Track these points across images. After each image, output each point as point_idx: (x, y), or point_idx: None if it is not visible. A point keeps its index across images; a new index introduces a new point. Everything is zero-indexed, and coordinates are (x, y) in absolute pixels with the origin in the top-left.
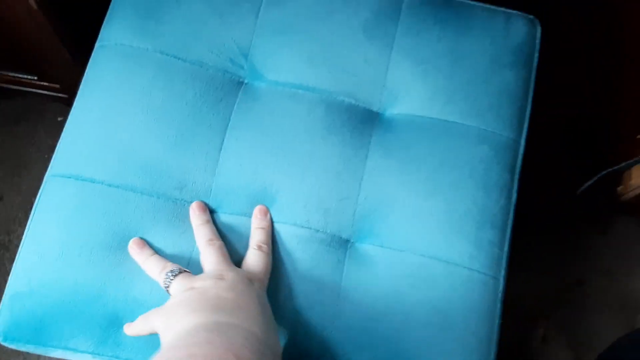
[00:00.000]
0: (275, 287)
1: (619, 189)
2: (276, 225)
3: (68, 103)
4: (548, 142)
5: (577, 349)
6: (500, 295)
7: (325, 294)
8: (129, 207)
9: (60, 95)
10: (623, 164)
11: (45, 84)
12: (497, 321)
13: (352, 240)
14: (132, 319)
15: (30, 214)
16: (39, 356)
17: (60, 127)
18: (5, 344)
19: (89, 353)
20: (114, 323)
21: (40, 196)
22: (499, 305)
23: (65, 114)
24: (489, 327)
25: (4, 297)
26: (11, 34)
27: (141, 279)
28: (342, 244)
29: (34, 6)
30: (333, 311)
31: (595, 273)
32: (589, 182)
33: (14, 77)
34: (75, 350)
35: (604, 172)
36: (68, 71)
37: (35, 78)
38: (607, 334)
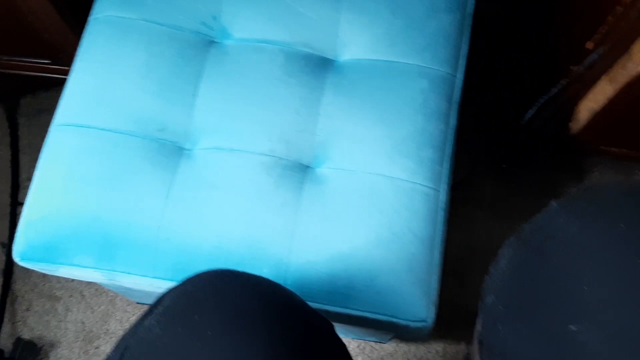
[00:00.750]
0: (243, 204)
1: (570, 124)
2: (245, 155)
3: None
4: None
5: None
6: (442, 204)
7: (287, 210)
8: (120, 147)
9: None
10: (560, 85)
11: (58, 67)
12: (440, 227)
13: (311, 166)
14: (124, 237)
15: None
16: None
17: None
18: (22, 263)
19: (91, 267)
20: (109, 242)
21: (46, 141)
22: (441, 213)
23: None
24: (431, 232)
25: (19, 224)
26: (23, 22)
27: (130, 205)
28: (303, 169)
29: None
30: (293, 226)
31: None
32: (532, 111)
33: (29, 62)
34: (78, 265)
35: (546, 98)
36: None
37: (49, 62)
38: None
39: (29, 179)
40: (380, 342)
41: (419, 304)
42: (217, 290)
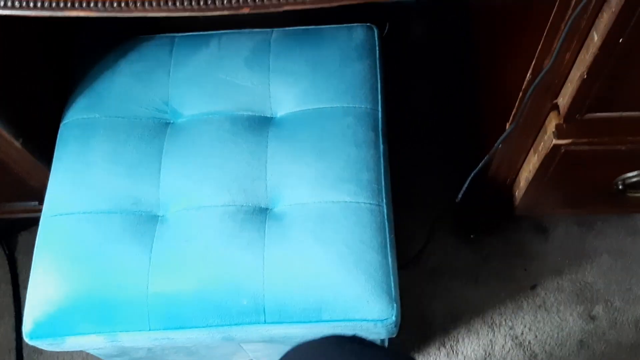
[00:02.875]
0: (215, 249)
1: (516, 194)
2: (210, 209)
3: None
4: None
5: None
6: (385, 216)
7: (254, 247)
8: (102, 225)
9: None
10: (487, 157)
11: None
12: (388, 235)
13: (268, 207)
14: (118, 301)
15: None
16: None
17: None
18: (32, 342)
19: (93, 333)
20: (105, 307)
21: (38, 233)
22: (386, 223)
23: None
24: (382, 240)
25: (25, 309)
26: (9, 171)
27: (119, 272)
28: (262, 211)
29: (19, 145)
30: (261, 260)
31: (545, 275)
32: (463, 189)
33: (21, 207)
34: (81, 333)
35: (475, 172)
36: None
37: (37, 203)
38: (570, 331)
39: None
40: None
41: (382, 303)
42: None
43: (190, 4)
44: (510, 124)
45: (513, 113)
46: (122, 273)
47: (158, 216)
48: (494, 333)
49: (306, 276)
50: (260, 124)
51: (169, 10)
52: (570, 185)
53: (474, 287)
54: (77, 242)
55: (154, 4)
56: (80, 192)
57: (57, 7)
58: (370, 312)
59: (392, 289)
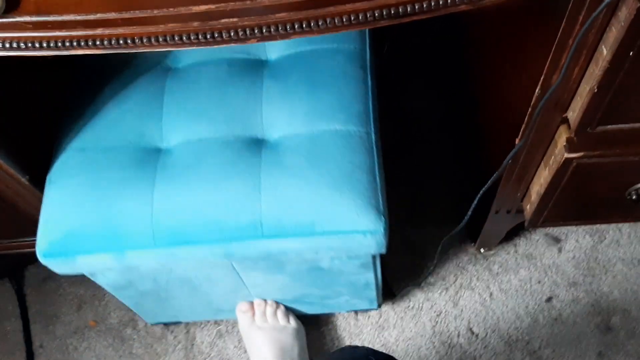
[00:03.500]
0: (216, 174)
1: (528, 208)
2: (210, 140)
3: None
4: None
5: None
6: (373, 142)
7: (252, 170)
8: (110, 157)
9: None
10: (496, 174)
11: None
12: (376, 158)
13: (265, 138)
14: (125, 220)
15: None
16: None
17: (79, 277)
18: (45, 262)
19: (102, 252)
20: (113, 227)
21: (52, 166)
22: (375, 148)
23: None
24: (370, 162)
25: (39, 232)
26: (15, 207)
27: (127, 195)
28: (258, 141)
29: (26, 182)
30: (259, 181)
31: (560, 287)
32: (473, 205)
33: (27, 242)
34: (91, 252)
35: (485, 188)
36: None
37: None
38: (588, 342)
39: (42, 346)
40: (370, 310)
41: (370, 216)
42: None
43: (198, 37)
44: (519, 140)
45: (522, 128)
46: (129, 196)
47: (161, 148)
48: (511, 349)
49: (300, 194)
50: (256, 66)
51: (176, 45)
52: (582, 197)
53: (489, 302)
54: (87, 172)
55: (161, 39)
56: (91, 130)
57: (63, 47)
58: (360, 224)
59: (381, 205)
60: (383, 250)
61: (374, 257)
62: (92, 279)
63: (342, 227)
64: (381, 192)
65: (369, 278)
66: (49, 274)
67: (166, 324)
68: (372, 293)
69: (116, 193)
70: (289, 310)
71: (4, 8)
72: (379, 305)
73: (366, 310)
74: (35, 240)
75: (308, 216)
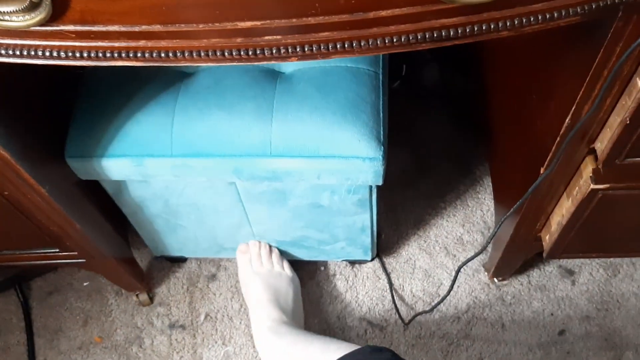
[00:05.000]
0: (233, 94)
1: (547, 238)
2: (230, 67)
3: (88, 267)
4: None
5: None
6: (381, 81)
7: (266, 94)
8: (137, 77)
9: (79, 260)
10: (519, 202)
11: (66, 253)
12: (381, 95)
13: (280, 71)
14: (145, 129)
15: None
16: None
17: (86, 290)
18: (69, 160)
19: (122, 156)
20: (134, 135)
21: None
22: (381, 86)
23: (90, 279)
24: (375, 98)
25: (68, 134)
26: (32, 220)
27: (150, 106)
28: (274, 72)
29: (46, 196)
30: (271, 104)
31: (573, 320)
32: (492, 234)
33: (40, 253)
34: (112, 155)
35: (505, 217)
36: (81, 240)
37: (57, 250)
38: None
39: None
40: (365, 260)
41: (371, 144)
42: None
43: (240, 53)
44: (545, 169)
45: (549, 158)
46: (153, 108)
47: (185, 72)
48: None
49: (308, 119)
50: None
51: (217, 60)
52: (604, 229)
53: (501, 333)
54: (115, 86)
55: (203, 54)
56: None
57: (104, 57)
58: (361, 150)
59: (382, 136)
60: (380, 181)
61: (370, 194)
62: (112, 196)
63: (344, 152)
64: (383, 125)
65: (366, 220)
66: (56, 287)
67: (172, 260)
68: (367, 239)
69: (141, 105)
70: (283, 257)
71: (49, 17)
72: (373, 258)
73: (360, 262)
74: (46, 252)
75: (313, 140)
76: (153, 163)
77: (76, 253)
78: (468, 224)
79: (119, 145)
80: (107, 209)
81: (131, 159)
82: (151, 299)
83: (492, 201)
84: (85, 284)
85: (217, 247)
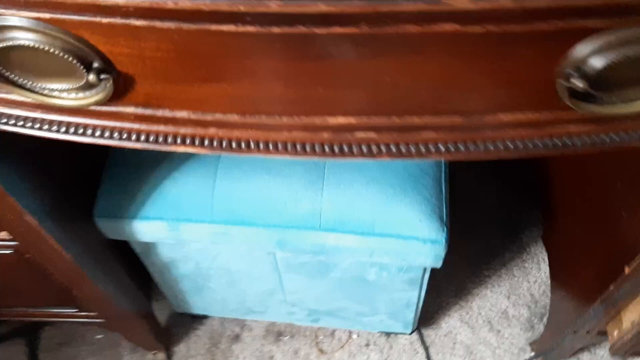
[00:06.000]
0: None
1: (615, 334)
2: None
3: (106, 326)
4: None
5: None
6: None
7: (312, 165)
8: None
9: (97, 320)
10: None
11: (84, 313)
12: (443, 168)
13: None
14: (184, 191)
15: None
16: None
17: (100, 344)
18: (99, 220)
19: (156, 219)
20: (171, 197)
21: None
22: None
23: (104, 332)
24: (437, 171)
25: (98, 192)
26: (53, 281)
27: (184, 170)
28: None
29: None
30: (321, 172)
31: None
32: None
33: (57, 312)
34: (147, 218)
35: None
36: (101, 301)
37: (76, 310)
38: None
39: None
40: (404, 333)
41: (433, 224)
42: None
43: (324, 149)
44: (630, 269)
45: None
46: (193, 169)
47: None
48: None
49: (364, 190)
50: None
51: (296, 154)
52: None
53: None
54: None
55: (280, 146)
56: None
57: (165, 142)
58: (421, 231)
59: (444, 215)
60: (439, 264)
61: (424, 272)
62: (139, 254)
63: (402, 231)
64: (445, 203)
65: (413, 297)
66: (67, 339)
67: (193, 316)
68: (411, 315)
69: (180, 163)
70: None
71: (107, 98)
72: (412, 331)
73: (397, 334)
74: (63, 311)
75: (369, 214)
76: (190, 228)
77: (95, 313)
78: (514, 296)
79: (153, 207)
80: (132, 263)
81: (166, 222)
82: (169, 358)
83: (540, 272)
84: (98, 336)
85: (245, 309)
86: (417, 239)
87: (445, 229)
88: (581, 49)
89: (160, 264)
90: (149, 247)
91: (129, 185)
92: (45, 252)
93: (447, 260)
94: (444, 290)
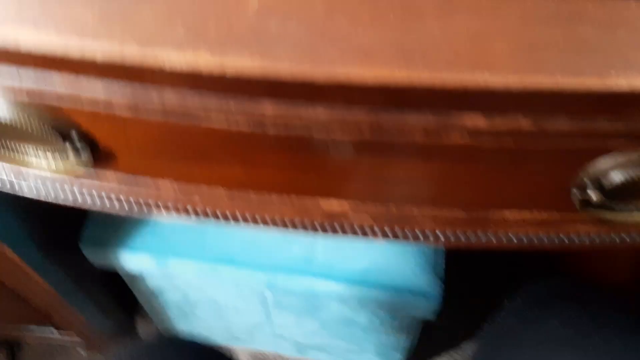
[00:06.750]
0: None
1: None
2: None
3: (87, 348)
4: None
5: None
6: None
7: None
8: None
9: (78, 340)
10: None
11: (63, 332)
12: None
13: None
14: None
15: None
16: None
17: None
18: (84, 248)
19: (146, 252)
20: (162, 231)
21: None
22: None
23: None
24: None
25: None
26: (30, 303)
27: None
28: None
29: (47, 286)
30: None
31: None
32: None
33: (35, 332)
34: (136, 249)
35: None
36: (81, 324)
37: (53, 329)
38: None
39: None
40: None
41: (428, 278)
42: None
43: (315, 227)
44: None
45: None
46: None
47: None
48: None
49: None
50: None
51: (286, 229)
52: None
53: None
54: None
55: (270, 221)
56: None
57: (148, 209)
58: (416, 284)
59: (440, 269)
60: (432, 317)
61: (417, 321)
62: (125, 279)
63: (395, 283)
64: (441, 258)
65: (403, 342)
66: (51, 353)
67: None
68: (400, 357)
69: None
70: None
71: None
72: None
73: None
74: (42, 331)
75: (363, 263)
76: (178, 263)
77: (74, 333)
78: None
79: (142, 239)
80: (117, 288)
81: (154, 255)
82: None
83: None
84: (83, 353)
85: (231, 337)
86: (411, 291)
87: (440, 283)
88: (601, 164)
89: (147, 291)
90: (137, 276)
91: (119, 215)
92: (20, 277)
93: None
94: (436, 334)
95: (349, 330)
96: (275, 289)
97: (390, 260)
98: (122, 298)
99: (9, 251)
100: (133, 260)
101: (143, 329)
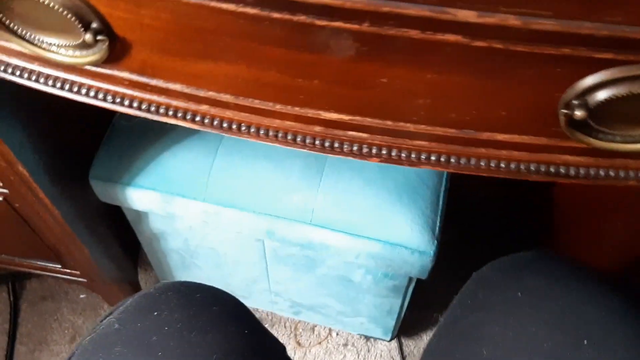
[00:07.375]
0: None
1: None
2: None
3: (88, 287)
4: None
5: None
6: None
7: (312, 161)
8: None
9: (80, 279)
10: None
11: (68, 270)
12: (444, 180)
13: None
14: (182, 166)
15: None
16: None
17: (81, 304)
18: (92, 181)
19: (150, 188)
20: (168, 171)
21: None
22: (445, 173)
23: (87, 292)
24: (437, 182)
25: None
26: (40, 235)
27: (185, 147)
28: None
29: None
30: (320, 169)
31: None
32: None
33: (41, 265)
34: (142, 186)
35: None
36: (86, 263)
37: (60, 266)
38: None
39: None
40: (383, 339)
41: (424, 236)
42: (179, 293)
43: (314, 142)
44: None
45: None
46: (193, 145)
47: None
48: None
49: (359, 191)
50: None
51: (286, 143)
52: None
53: None
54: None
55: (271, 133)
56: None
57: (157, 112)
58: (411, 241)
59: (437, 229)
60: (424, 276)
61: (409, 281)
62: (130, 220)
63: (392, 238)
64: (440, 218)
65: (395, 305)
66: (50, 293)
67: None
68: (392, 322)
69: (182, 138)
70: None
71: (102, 60)
72: (392, 338)
73: (377, 339)
74: (47, 265)
75: (360, 216)
76: (183, 203)
77: (79, 272)
78: None
79: (149, 176)
80: (122, 231)
81: (159, 193)
82: None
83: None
84: (82, 296)
85: (229, 292)
86: (406, 247)
87: (435, 242)
88: (588, 80)
89: (150, 234)
90: (141, 216)
91: (128, 152)
92: (34, 205)
93: (436, 274)
94: (430, 303)
95: (343, 289)
96: (274, 236)
97: (388, 216)
98: (127, 246)
99: (25, 174)
100: (139, 196)
101: (145, 279)
